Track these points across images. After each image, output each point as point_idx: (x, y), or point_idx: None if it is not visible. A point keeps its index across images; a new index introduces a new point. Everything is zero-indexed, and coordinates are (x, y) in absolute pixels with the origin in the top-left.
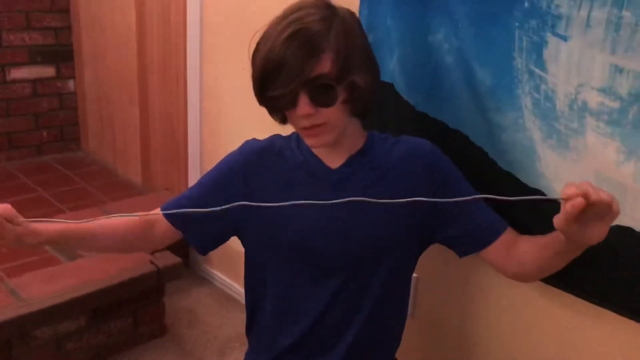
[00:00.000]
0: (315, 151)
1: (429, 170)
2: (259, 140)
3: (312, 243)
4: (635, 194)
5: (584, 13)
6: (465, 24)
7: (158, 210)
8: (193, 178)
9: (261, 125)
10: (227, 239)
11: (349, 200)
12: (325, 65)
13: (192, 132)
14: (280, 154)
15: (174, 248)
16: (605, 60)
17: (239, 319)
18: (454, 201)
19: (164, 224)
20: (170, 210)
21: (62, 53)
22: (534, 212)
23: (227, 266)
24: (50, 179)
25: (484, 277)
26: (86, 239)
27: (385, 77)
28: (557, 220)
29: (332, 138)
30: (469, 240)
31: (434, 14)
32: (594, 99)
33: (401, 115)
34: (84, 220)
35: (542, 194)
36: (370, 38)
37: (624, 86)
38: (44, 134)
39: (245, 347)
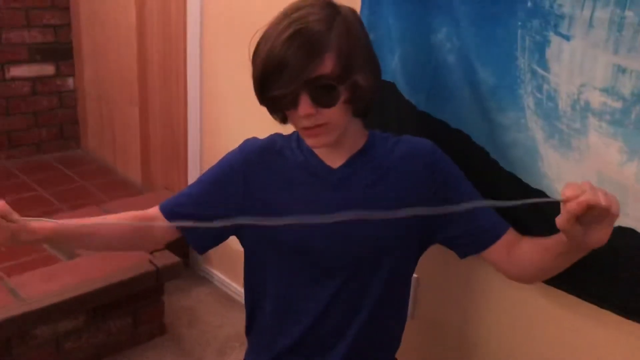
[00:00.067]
0: (316, 151)
1: (430, 170)
2: (259, 139)
3: (312, 243)
4: (638, 195)
5: (586, 13)
6: (467, 23)
7: (156, 208)
8: (193, 177)
9: (261, 124)
10: (226, 238)
11: (343, 220)
12: (327, 65)
13: (192, 131)
14: (281, 153)
15: (173, 247)
16: (608, 60)
17: (239, 319)
18: (451, 211)
19: (164, 222)
20: (169, 207)
21: (61, 51)
22: (535, 213)
23: (227, 266)
24: (50, 177)
25: (485, 277)
26: (83, 237)
27: (386, 76)
28: (559, 220)
29: (333, 138)
30: (470, 241)
31: (435, 13)
32: (596, 99)
33: (402, 114)
34: (79, 221)
35: (545, 194)
36: (371, 37)
37: (626, 86)
38: (44, 132)
39: (244, 347)
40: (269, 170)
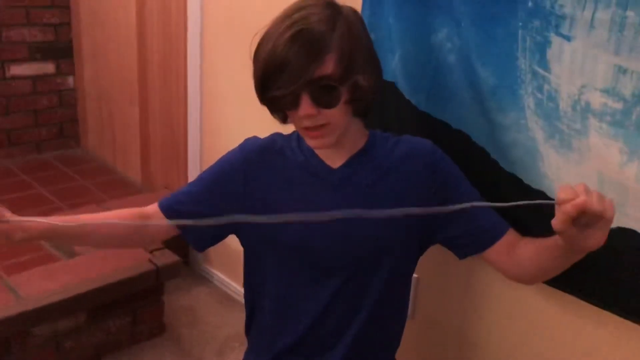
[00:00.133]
0: (316, 151)
1: (430, 170)
2: (259, 138)
3: (312, 243)
4: (638, 195)
5: (588, 13)
6: (468, 24)
7: (155, 205)
8: (193, 177)
9: (261, 124)
10: (225, 236)
11: (341, 216)
12: (329, 66)
13: (191, 131)
14: (281, 153)
15: (173, 247)
16: (609, 61)
17: (239, 319)
18: (446, 211)
19: (161, 219)
20: (168, 205)
21: (62, 50)
22: (535, 213)
23: (227, 265)
24: (50, 176)
25: (485, 278)
26: (79, 234)
27: (387, 76)
28: (554, 222)
29: (334, 139)
30: (470, 241)
31: (436, 13)
32: (597, 100)
33: (403, 114)
34: (73, 221)
35: (545, 194)
36: (372, 37)
37: (627, 87)
38: (44, 131)
39: (244, 347)
40: (269, 170)
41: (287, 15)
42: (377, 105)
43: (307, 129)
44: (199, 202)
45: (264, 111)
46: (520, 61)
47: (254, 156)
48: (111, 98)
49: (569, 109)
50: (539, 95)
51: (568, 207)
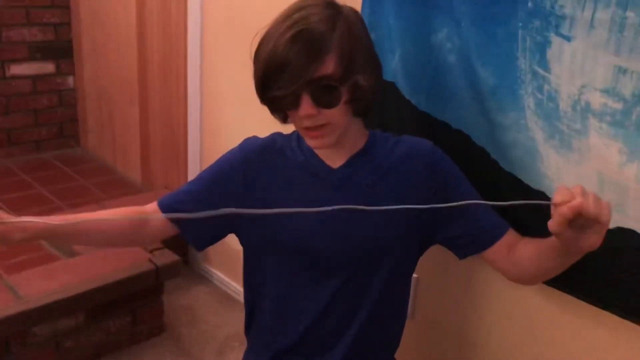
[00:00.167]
0: (317, 151)
1: (430, 170)
2: (259, 138)
3: (312, 243)
4: (638, 196)
5: (587, 13)
6: (468, 24)
7: (155, 204)
8: (192, 177)
9: (261, 124)
10: (224, 236)
11: (339, 209)
12: (329, 66)
13: (191, 131)
14: (281, 152)
15: (173, 246)
16: (609, 61)
17: (238, 318)
18: (441, 207)
19: (160, 218)
20: (167, 204)
21: (62, 49)
22: (535, 213)
23: (227, 265)
24: (50, 176)
25: (484, 278)
26: (78, 233)
27: (386, 76)
28: (551, 224)
29: (334, 139)
30: (471, 241)
31: (436, 13)
32: (597, 100)
33: (403, 114)
34: (70, 220)
35: (545, 194)
36: (372, 36)
37: (627, 87)
38: (44, 130)
39: (244, 347)
40: (269, 170)
41: (288, 15)
42: (377, 105)
43: (307, 129)
44: (199, 201)
45: (264, 111)
46: (520, 61)
47: (254, 156)
48: (111, 98)
49: (569, 109)
50: (539, 96)
51: (564, 209)
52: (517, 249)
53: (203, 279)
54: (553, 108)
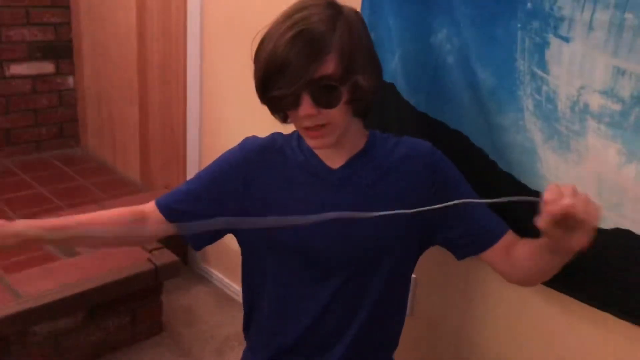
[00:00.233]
0: (316, 151)
1: (430, 171)
2: (259, 138)
3: (312, 243)
4: (636, 197)
5: (586, 15)
6: (467, 24)
7: (152, 204)
8: (192, 176)
9: (261, 124)
10: (222, 235)
11: (334, 218)
12: (329, 66)
13: (191, 130)
14: (281, 152)
15: (172, 246)
16: (608, 62)
17: (238, 318)
18: (436, 209)
19: (158, 217)
20: (165, 203)
21: (61, 49)
22: (535, 213)
23: (226, 265)
24: (49, 175)
25: (483, 278)
26: (73, 237)
27: (386, 77)
28: (539, 222)
29: (334, 139)
30: (470, 242)
31: (435, 13)
32: (595, 101)
33: (402, 115)
34: (64, 225)
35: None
36: (372, 37)
37: (626, 88)
38: (43, 130)
39: (243, 347)
40: (268, 170)
41: (288, 15)
42: (377, 105)
43: (307, 129)
44: (197, 200)
45: (264, 111)
46: (519, 62)
47: (254, 155)
48: (111, 98)
49: (567, 110)
50: (538, 97)
51: (552, 208)
52: (515, 250)
53: (202, 278)
54: (552, 109)
